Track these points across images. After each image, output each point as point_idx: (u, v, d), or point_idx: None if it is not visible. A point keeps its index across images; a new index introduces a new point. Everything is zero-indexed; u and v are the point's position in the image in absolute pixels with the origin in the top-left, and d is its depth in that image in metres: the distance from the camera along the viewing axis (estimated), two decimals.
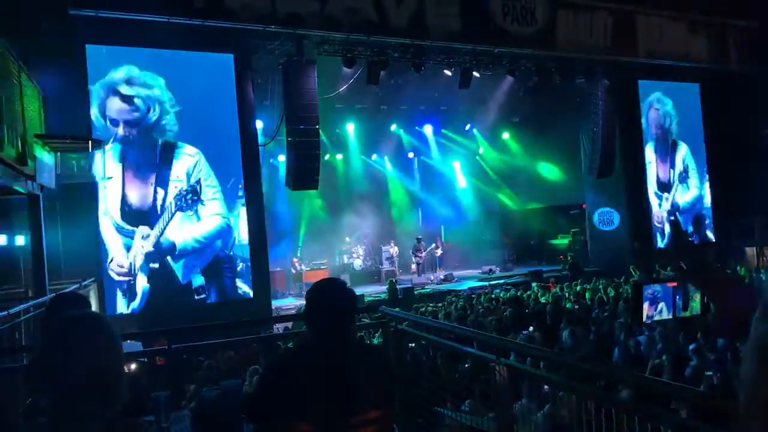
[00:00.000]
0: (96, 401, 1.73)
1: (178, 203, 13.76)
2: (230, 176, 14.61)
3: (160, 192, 13.65)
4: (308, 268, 20.06)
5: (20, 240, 11.42)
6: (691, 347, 7.07)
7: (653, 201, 21.29)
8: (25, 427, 1.94)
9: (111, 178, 12.82)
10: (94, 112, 13.15)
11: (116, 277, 13.16)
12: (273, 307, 15.66)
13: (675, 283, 1.46)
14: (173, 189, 13.76)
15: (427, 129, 24.04)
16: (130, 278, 13.24)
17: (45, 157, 9.44)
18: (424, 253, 21.43)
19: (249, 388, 6.48)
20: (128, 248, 13.29)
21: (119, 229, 13.24)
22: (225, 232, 14.39)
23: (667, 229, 21.13)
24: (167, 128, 13.84)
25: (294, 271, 20.19)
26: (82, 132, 11.90)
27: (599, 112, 19.61)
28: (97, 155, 11.09)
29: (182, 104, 14.00)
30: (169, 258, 13.63)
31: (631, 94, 20.93)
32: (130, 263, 13.28)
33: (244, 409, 3.04)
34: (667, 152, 21.80)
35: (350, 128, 22.23)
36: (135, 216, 13.39)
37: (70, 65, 12.82)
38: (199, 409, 3.31)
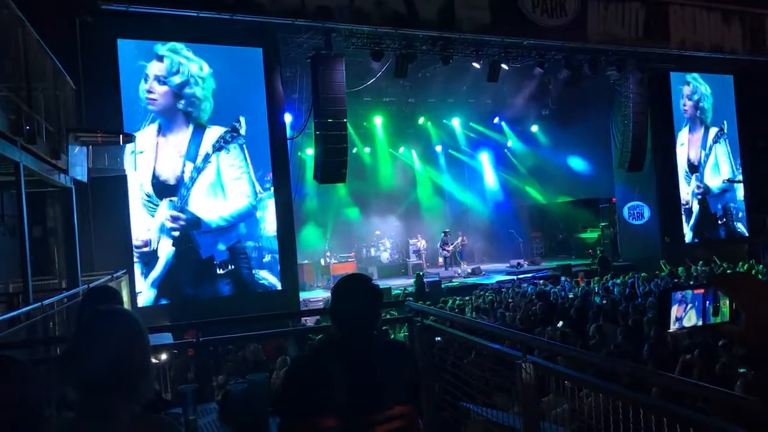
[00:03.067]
0: (122, 396, 1.75)
1: (200, 173, 14.16)
2: (258, 168, 14.75)
3: (189, 165, 14.03)
4: (336, 261, 20.13)
5: (54, 232, 11.64)
6: (720, 343, 6.95)
7: (682, 182, 21.11)
8: (53, 421, 1.96)
9: (142, 152, 13.34)
10: (142, 87, 13.71)
11: (134, 251, 13.43)
12: (301, 299, 15.77)
13: (702, 290, 1.42)
14: (200, 163, 14.15)
15: (455, 122, 23.93)
16: (150, 250, 13.54)
17: (77, 150, 9.59)
18: (451, 247, 21.34)
19: (277, 379, 6.54)
20: (152, 220, 13.64)
21: (148, 201, 13.62)
22: (250, 215, 14.62)
23: (695, 208, 21.02)
24: (194, 98, 14.13)
25: (323, 263, 20.28)
26: (113, 126, 12.08)
27: (630, 104, 19.33)
28: (128, 148, 11.22)
29: (217, 95, 14.39)
30: (193, 232, 13.96)
31: (663, 87, 20.59)
32: (152, 236, 13.59)
33: (272, 402, 3.06)
34: (698, 133, 21.66)
35: (378, 121, 22.22)
36: (163, 188, 13.78)
37: (101, 59, 13.01)
38: (225, 403, 3.35)
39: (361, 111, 20.55)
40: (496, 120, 24.17)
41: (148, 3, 12.94)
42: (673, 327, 1.44)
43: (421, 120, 23.15)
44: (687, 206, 21.08)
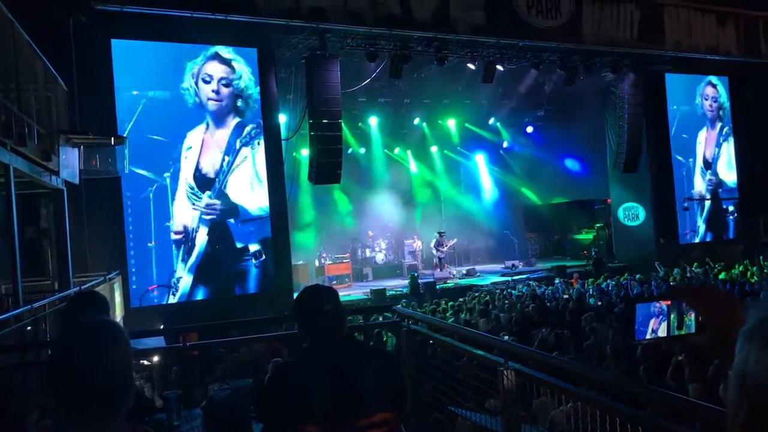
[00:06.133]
0: (102, 407, 1.74)
1: (232, 164, 14.67)
2: None
3: (227, 159, 14.55)
4: (330, 262, 20.09)
5: (47, 233, 11.61)
6: None
7: (697, 177, 21.56)
8: (32, 429, 1.95)
9: (190, 147, 14.12)
10: (187, 83, 14.16)
11: (174, 236, 13.95)
12: None
13: (669, 302, 1.43)
14: (231, 155, 14.63)
15: (451, 122, 23.90)
16: (190, 238, 14.03)
17: (68, 152, 9.55)
18: (446, 248, 21.25)
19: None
20: (192, 210, 14.16)
21: (191, 193, 14.12)
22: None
23: (707, 203, 21.57)
24: (250, 99, 14.80)
25: (317, 264, 20.23)
26: (106, 126, 12.05)
27: (625, 106, 19.36)
28: (121, 150, 11.20)
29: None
30: (228, 221, 14.48)
31: (658, 88, 20.62)
32: (190, 225, 14.07)
33: (255, 408, 3.06)
34: (714, 131, 22.12)
35: (373, 122, 22.18)
36: (204, 180, 14.30)
37: (96, 60, 12.99)
38: (209, 409, 3.34)
39: (356, 111, 20.53)
40: (492, 121, 24.13)
41: (142, 4, 12.91)
42: (649, 336, 1.45)
43: (416, 120, 23.08)
44: (701, 200, 21.57)
